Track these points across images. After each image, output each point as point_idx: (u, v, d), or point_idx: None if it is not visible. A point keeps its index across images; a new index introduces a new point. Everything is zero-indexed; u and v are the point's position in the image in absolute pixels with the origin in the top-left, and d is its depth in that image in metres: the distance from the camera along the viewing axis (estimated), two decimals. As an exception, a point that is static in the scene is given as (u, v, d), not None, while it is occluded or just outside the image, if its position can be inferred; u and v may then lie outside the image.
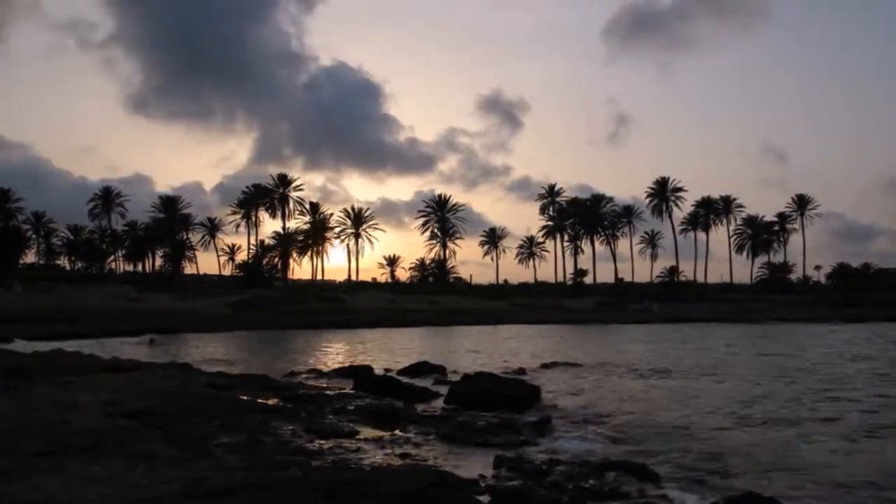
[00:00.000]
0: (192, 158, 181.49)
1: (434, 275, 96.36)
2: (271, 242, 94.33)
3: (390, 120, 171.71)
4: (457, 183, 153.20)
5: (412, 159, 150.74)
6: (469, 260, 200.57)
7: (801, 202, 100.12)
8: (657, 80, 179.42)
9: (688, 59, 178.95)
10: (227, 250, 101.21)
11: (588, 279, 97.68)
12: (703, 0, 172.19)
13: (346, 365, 22.67)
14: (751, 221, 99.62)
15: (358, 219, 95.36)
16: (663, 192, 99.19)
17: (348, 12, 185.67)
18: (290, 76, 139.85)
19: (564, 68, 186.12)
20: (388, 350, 31.81)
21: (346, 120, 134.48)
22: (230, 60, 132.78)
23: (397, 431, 11.46)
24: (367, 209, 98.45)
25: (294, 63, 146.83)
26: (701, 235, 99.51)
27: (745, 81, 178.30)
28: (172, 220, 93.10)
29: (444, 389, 16.25)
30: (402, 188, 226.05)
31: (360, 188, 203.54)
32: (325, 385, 17.81)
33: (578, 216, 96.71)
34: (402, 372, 20.89)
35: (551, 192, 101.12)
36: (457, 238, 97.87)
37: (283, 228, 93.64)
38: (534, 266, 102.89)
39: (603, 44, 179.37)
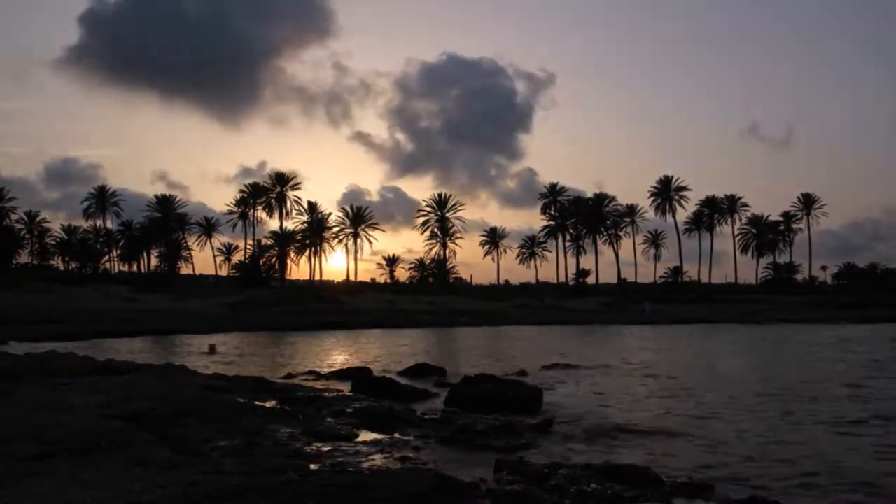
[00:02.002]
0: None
1: (434, 275, 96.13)
2: (269, 242, 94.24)
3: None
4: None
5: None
6: (469, 260, 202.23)
7: (807, 201, 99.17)
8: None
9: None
10: (224, 250, 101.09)
11: (591, 279, 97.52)
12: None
13: (345, 367, 22.53)
14: (756, 221, 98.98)
15: (357, 218, 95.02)
16: (666, 191, 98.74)
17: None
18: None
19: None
20: (388, 351, 31.66)
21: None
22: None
23: (396, 434, 11.32)
24: (367, 208, 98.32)
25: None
26: (705, 235, 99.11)
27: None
28: (168, 220, 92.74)
29: (444, 391, 16.10)
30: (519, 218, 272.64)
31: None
32: (323, 387, 17.63)
33: (580, 215, 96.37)
34: (402, 374, 20.76)
35: (553, 190, 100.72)
36: (457, 238, 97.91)
37: (281, 228, 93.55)
38: (535, 266, 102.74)
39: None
